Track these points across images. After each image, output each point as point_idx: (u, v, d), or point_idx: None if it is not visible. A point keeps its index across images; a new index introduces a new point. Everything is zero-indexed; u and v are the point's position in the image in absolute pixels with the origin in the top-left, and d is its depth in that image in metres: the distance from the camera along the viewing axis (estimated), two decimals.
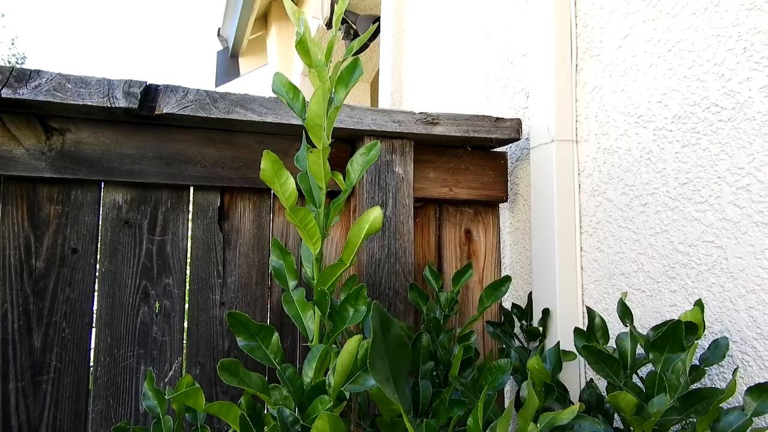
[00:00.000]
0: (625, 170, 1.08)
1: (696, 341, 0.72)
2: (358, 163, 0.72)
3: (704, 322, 0.78)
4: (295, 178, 0.70)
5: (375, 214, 0.64)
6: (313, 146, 0.68)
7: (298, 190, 0.73)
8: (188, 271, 1.10)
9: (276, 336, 0.66)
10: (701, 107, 0.94)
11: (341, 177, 0.72)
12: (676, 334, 0.69)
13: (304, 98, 0.71)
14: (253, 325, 0.65)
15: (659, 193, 1.01)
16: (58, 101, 0.93)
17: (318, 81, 0.65)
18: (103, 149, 1.03)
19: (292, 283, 0.73)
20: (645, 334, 0.84)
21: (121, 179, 1.04)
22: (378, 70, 2.84)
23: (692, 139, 0.95)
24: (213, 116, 1.03)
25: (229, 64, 4.44)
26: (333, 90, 0.69)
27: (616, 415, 0.92)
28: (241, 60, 4.54)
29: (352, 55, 0.72)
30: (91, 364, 1.03)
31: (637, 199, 1.05)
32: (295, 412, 0.57)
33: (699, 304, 0.79)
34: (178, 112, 1.01)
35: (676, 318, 0.77)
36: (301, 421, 0.55)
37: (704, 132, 0.93)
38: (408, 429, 0.43)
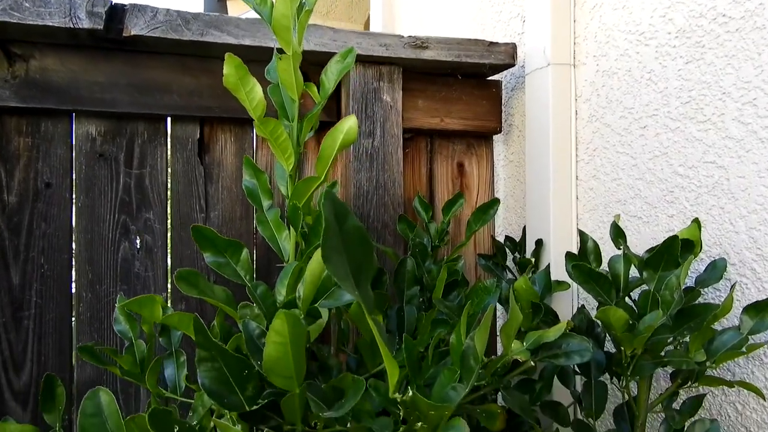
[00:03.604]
0: (624, 92, 1.03)
1: (692, 257, 0.69)
2: (332, 72, 0.66)
3: (701, 240, 0.74)
4: (265, 91, 0.64)
5: (349, 123, 0.59)
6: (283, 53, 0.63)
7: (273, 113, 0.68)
8: (169, 206, 1.06)
9: (245, 252, 0.63)
10: (707, 19, 0.87)
11: (315, 88, 0.67)
12: (671, 251, 0.65)
13: (272, 2, 0.65)
14: (220, 241, 0.62)
15: (660, 115, 0.95)
16: (15, 21, 0.87)
17: None
18: (70, 77, 0.97)
19: (266, 203, 0.69)
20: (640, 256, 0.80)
21: (92, 108, 0.99)
22: (369, 15, 2.71)
23: (697, 54, 0.89)
24: (185, 39, 0.96)
25: (216, 7, 4.27)
26: None
27: (607, 341, 0.90)
28: (229, 3, 4.36)
29: None
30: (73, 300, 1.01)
31: (636, 122, 1.00)
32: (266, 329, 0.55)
33: (696, 222, 0.75)
34: (147, 34, 0.94)
35: None
36: None
37: (710, 45, 0.87)
38: (371, 327, 0.40)
